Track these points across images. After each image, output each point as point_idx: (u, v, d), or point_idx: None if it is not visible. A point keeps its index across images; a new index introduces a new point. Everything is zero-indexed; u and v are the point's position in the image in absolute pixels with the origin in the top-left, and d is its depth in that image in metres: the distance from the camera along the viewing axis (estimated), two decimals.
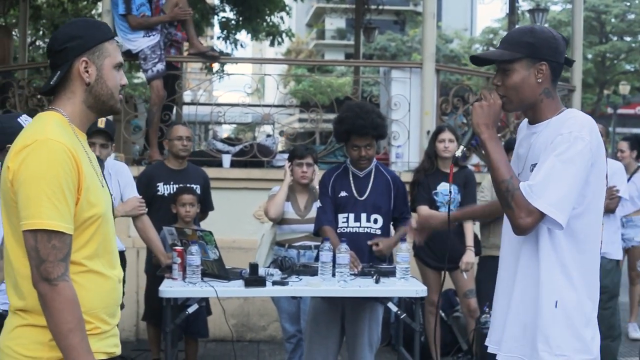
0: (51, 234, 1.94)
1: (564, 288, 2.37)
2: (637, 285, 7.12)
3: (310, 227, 4.64)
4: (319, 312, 4.32)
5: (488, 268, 5.62)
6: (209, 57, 7.02)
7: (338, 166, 4.54)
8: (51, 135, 2.00)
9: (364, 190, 4.36)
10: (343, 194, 4.35)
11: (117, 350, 2.18)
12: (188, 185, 5.19)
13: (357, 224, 4.32)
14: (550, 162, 2.30)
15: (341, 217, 4.34)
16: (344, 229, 4.30)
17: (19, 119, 2.99)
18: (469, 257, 5.27)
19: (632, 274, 7.10)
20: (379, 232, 4.33)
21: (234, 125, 24.80)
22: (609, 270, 5.31)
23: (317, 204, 4.50)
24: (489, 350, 2.58)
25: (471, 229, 5.36)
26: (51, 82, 2.12)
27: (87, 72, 2.11)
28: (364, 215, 4.32)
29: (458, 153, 2.52)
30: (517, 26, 10.89)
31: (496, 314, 2.61)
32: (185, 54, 7.42)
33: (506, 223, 2.50)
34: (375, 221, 4.33)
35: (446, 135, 5.36)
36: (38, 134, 2.00)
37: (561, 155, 2.29)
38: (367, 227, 4.33)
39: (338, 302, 4.28)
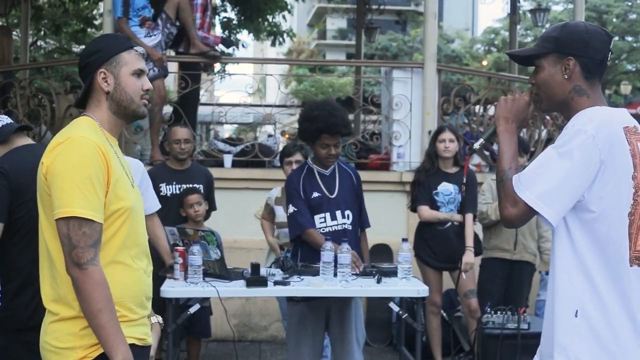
0: (82, 221, 2.10)
1: (585, 295, 2.16)
2: None
3: None
4: (305, 313, 4.30)
5: (490, 269, 5.63)
6: (210, 57, 7.01)
7: (301, 167, 4.44)
8: (82, 134, 2.19)
9: (333, 188, 4.32)
10: (315, 194, 4.29)
11: (149, 339, 2.33)
12: (190, 185, 5.19)
13: (335, 222, 4.29)
14: (546, 154, 2.18)
15: (318, 217, 4.28)
16: (323, 229, 4.25)
17: None
18: (469, 258, 5.27)
19: None
20: (351, 227, 4.31)
21: (236, 126, 24.80)
22: None
23: (290, 208, 4.33)
24: None
25: (471, 230, 5.36)
26: (79, 96, 2.35)
27: (106, 82, 2.30)
28: (338, 213, 4.30)
29: (477, 145, 2.44)
30: (518, 26, 10.89)
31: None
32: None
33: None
34: (348, 217, 4.32)
35: (447, 135, 5.36)
36: (70, 133, 2.20)
37: (559, 148, 2.16)
38: (343, 224, 4.30)
39: (324, 302, 4.27)
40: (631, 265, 2.18)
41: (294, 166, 4.89)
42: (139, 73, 2.34)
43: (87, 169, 2.13)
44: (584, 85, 2.27)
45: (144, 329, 2.30)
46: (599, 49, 2.27)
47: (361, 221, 4.45)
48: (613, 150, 2.15)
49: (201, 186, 5.26)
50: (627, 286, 2.17)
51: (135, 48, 2.38)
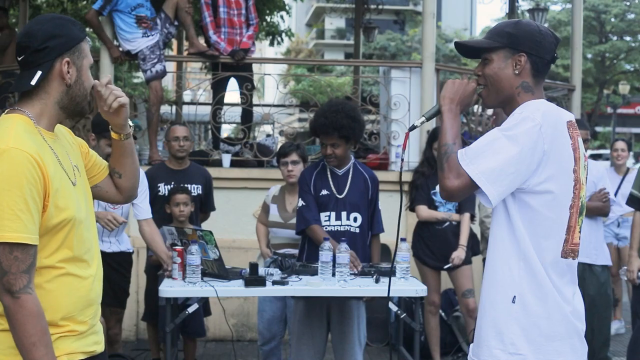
0: (13, 245, 1.91)
1: (524, 282, 2.20)
2: (618, 282, 7.11)
3: (292, 232, 4.55)
4: (306, 312, 4.30)
5: None
6: (209, 57, 7.02)
7: (317, 164, 4.47)
8: (14, 144, 1.94)
9: (342, 188, 4.33)
10: (324, 192, 4.30)
11: (98, 348, 2.17)
12: (187, 185, 5.19)
13: (339, 222, 4.29)
14: (493, 134, 2.20)
15: (323, 215, 4.30)
16: (326, 228, 4.27)
17: None
18: (459, 253, 5.30)
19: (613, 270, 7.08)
20: (358, 230, 4.32)
21: (234, 125, 24.79)
22: (604, 282, 5.26)
23: (299, 202, 4.36)
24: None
25: (467, 229, 5.37)
26: (31, 82, 2.05)
27: (68, 72, 2.08)
28: (344, 214, 4.30)
29: (417, 123, 2.44)
30: None
31: None
32: (185, 53, 7.44)
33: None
34: (355, 219, 4.32)
35: None
36: (1, 143, 1.95)
37: (506, 131, 2.17)
38: (347, 226, 4.30)
39: (324, 302, 4.27)
40: (565, 258, 2.24)
41: (290, 167, 4.88)
42: (91, 67, 2.15)
43: (19, 186, 1.90)
44: (531, 82, 2.32)
45: (93, 337, 2.15)
46: (548, 49, 2.32)
47: (373, 225, 4.43)
48: (556, 142, 2.19)
49: (199, 186, 5.26)
50: (565, 276, 2.24)
51: (87, 39, 2.16)
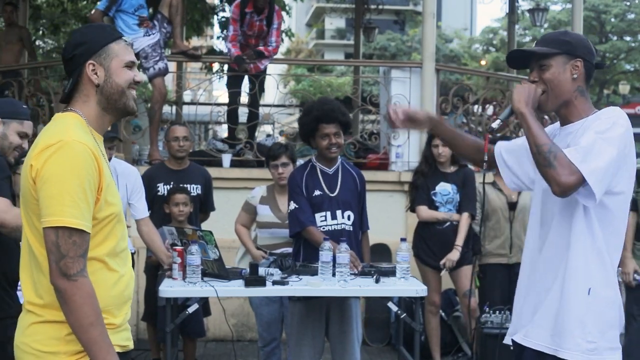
0: (72, 231, 2.01)
1: (597, 275, 2.41)
2: None
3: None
4: (305, 313, 4.30)
5: (489, 277, 5.59)
6: (190, 56, 7.20)
7: (305, 165, 4.44)
8: (75, 137, 2.06)
9: (334, 187, 4.32)
10: (317, 192, 4.29)
11: (130, 344, 2.26)
12: (187, 185, 5.19)
13: (335, 221, 4.29)
14: (591, 137, 2.35)
15: (319, 216, 4.28)
16: (323, 228, 4.26)
17: None
18: (453, 255, 5.29)
19: None
20: (351, 228, 4.31)
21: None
22: None
23: (291, 205, 4.33)
24: (515, 340, 2.57)
25: (464, 229, 5.36)
26: (66, 90, 2.21)
27: (95, 74, 2.18)
28: (339, 212, 4.29)
29: (495, 125, 2.60)
30: (516, 26, 10.90)
31: (520, 305, 2.61)
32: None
33: (533, 216, 2.58)
34: (349, 217, 4.32)
35: (439, 140, 5.34)
36: (62, 134, 2.06)
37: (602, 134, 2.35)
38: (343, 224, 4.30)
39: (323, 302, 4.27)
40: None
41: (280, 169, 4.88)
42: (130, 65, 2.22)
43: (79, 176, 2.02)
44: (584, 86, 2.51)
45: (126, 334, 2.23)
46: (595, 55, 2.54)
47: (362, 223, 4.45)
48: (630, 147, 2.40)
49: (199, 186, 5.26)
50: (616, 271, 2.49)
51: (124, 39, 2.25)
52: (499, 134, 5.73)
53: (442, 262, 5.29)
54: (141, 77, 2.29)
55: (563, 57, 2.47)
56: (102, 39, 2.20)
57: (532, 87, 2.48)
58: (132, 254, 4.93)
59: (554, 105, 2.51)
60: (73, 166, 2.02)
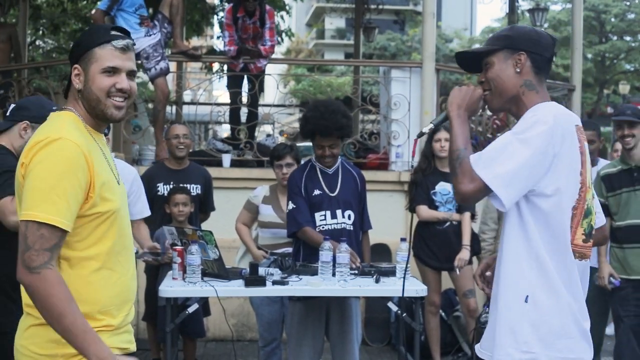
0: (42, 224, 1.98)
1: (537, 281, 2.24)
2: None
3: None
4: (305, 312, 4.30)
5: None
6: (190, 56, 7.22)
7: (305, 165, 4.46)
8: (65, 134, 2.05)
9: (334, 187, 4.33)
10: (316, 192, 4.30)
11: (132, 347, 2.23)
12: (186, 185, 5.19)
13: (335, 221, 4.29)
14: (506, 138, 2.23)
15: (318, 215, 4.29)
16: (323, 227, 4.27)
17: None
18: (464, 255, 5.29)
19: None
20: (351, 227, 4.32)
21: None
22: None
23: (289, 205, 4.34)
24: (476, 351, 2.46)
25: (468, 229, 5.37)
26: (65, 88, 2.25)
27: (78, 78, 2.17)
28: (339, 212, 4.30)
29: (425, 130, 2.48)
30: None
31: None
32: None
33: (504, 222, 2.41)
34: (349, 217, 4.32)
35: (442, 134, 5.35)
36: (52, 132, 2.06)
37: (519, 135, 2.21)
38: (343, 223, 4.31)
39: (323, 302, 4.27)
40: (575, 258, 2.28)
41: (285, 170, 4.88)
42: (109, 70, 2.13)
43: (62, 173, 2.00)
44: (534, 80, 2.36)
45: (127, 336, 2.21)
46: (546, 47, 2.38)
47: (362, 223, 4.45)
48: (566, 145, 2.23)
49: (198, 186, 5.26)
50: (572, 276, 2.27)
51: (113, 43, 2.15)
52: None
53: (455, 263, 5.27)
54: (129, 83, 2.19)
55: (504, 52, 2.35)
56: (88, 43, 2.16)
57: (469, 89, 2.40)
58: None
59: (500, 103, 2.39)
60: (55, 163, 2.01)
